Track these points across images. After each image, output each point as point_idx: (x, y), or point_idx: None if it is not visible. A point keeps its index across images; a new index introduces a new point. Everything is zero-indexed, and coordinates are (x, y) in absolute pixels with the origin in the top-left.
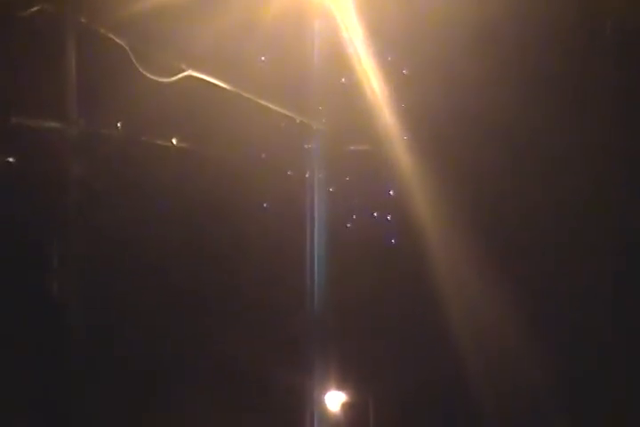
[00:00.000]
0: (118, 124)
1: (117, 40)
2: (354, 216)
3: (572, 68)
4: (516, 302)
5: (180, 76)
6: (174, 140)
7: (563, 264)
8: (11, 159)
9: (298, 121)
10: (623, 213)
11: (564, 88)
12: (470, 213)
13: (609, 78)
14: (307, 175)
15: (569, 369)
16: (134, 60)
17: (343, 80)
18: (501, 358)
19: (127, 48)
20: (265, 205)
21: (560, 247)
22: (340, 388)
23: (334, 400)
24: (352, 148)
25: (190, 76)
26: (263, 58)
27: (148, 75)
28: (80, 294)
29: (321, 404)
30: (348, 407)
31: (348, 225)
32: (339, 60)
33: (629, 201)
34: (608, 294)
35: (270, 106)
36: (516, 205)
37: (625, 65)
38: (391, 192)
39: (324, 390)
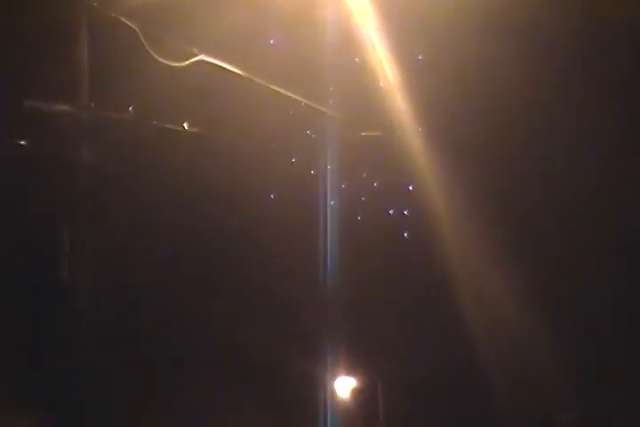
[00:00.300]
0: (130, 108)
1: (129, 24)
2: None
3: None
4: (529, 290)
5: (192, 60)
6: (186, 125)
7: (575, 252)
8: (23, 142)
9: (309, 106)
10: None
11: (572, 75)
12: (483, 201)
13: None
14: (318, 163)
15: (580, 357)
16: (146, 45)
17: (356, 63)
18: (513, 345)
19: (139, 32)
20: (273, 194)
21: (573, 235)
22: (350, 373)
23: (344, 386)
24: (364, 133)
25: (202, 61)
26: (272, 41)
27: (160, 59)
28: (91, 279)
29: (332, 389)
30: (357, 393)
31: (359, 218)
32: (351, 45)
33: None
34: (620, 285)
35: (282, 91)
36: (530, 191)
37: (627, 66)
38: (410, 187)
39: (335, 375)
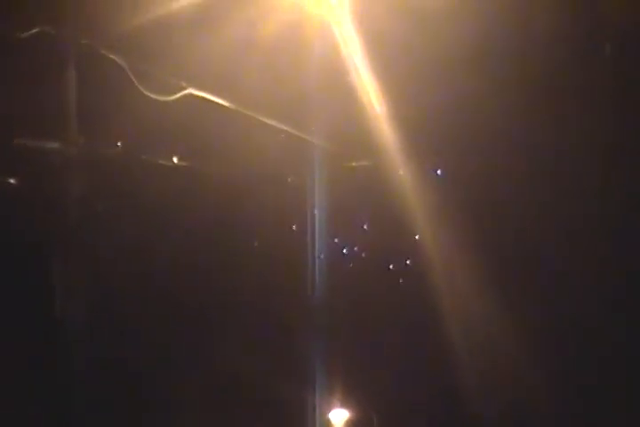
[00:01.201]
0: (118, 144)
1: (117, 59)
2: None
3: (570, 81)
4: (519, 317)
5: (180, 94)
6: (175, 159)
7: (570, 280)
8: (12, 180)
9: (298, 136)
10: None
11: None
12: (472, 227)
13: (607, 92)
14: (306, 191)
15: (574, 388)
16: (134, 80)
17: (343, 93)
18: (505, 374)
19: (127, 68)
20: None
21: (570, 262)
22: (343, 405)
23: (338, 418)
24: (353, 163)
25: (190, 94)
26: (260, 74)
27: (149, 93)
28: (83, 312)
29: (325, 422)
30: (352, 425)
31: (336, 240)
32: (338, 75)
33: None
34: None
35: (269, 122)
36: (520, 220)
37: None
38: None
39: (328, 407)
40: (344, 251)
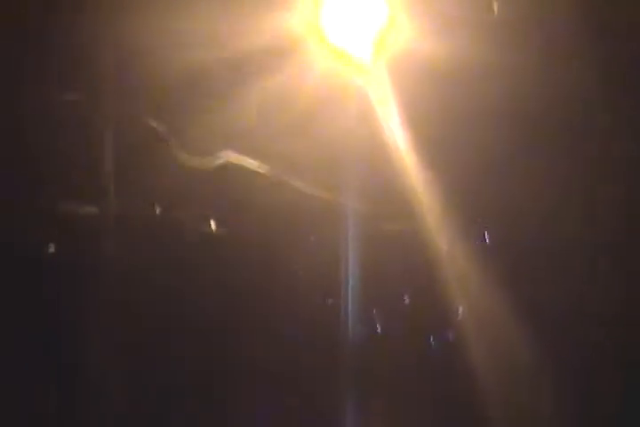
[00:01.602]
0: (156, 209)
1: (154, 125)
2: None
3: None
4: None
5: (219, 163)
6: (212, 224)
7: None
8: (50, 245)
9: (333, 200)
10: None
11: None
12: (506, 287)
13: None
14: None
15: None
16: (172, 146)
17: (378, 153)
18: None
19: (165, 132)
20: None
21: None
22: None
23: None
24: (389, 228)
25: (227, 161)
26: (295, 137)
27: (187, 161)
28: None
29: None
30: None
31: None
32: (374, 139)
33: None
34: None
35: (305, 187)
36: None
37: None
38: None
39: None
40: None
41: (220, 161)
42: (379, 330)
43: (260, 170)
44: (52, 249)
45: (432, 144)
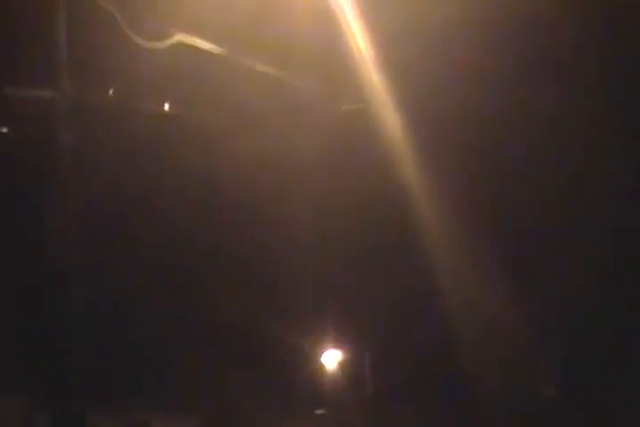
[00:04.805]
0: (110, 91)
1: (107, 6)
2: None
3: None
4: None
5: (170, 41)
6: (166, 106)
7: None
8: (4, 129)
9: (288, 80)
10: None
11: None
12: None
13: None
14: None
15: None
16: (124, 27)
17: (333, 36)
18: (494, 324)
19: (117, 15)
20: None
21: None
22: (336, 346)
23: (332, 358)
24: (344, 107)
25: (180, 41)
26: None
27: (139, 41)
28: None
29: (319, 362)
30: (345, 365)
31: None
32: (328, 21)
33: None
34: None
35: (260, 67)
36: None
37: None
38: None
39: (322, 348)
40: None
41: (174, 45)
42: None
43: (214, 52)
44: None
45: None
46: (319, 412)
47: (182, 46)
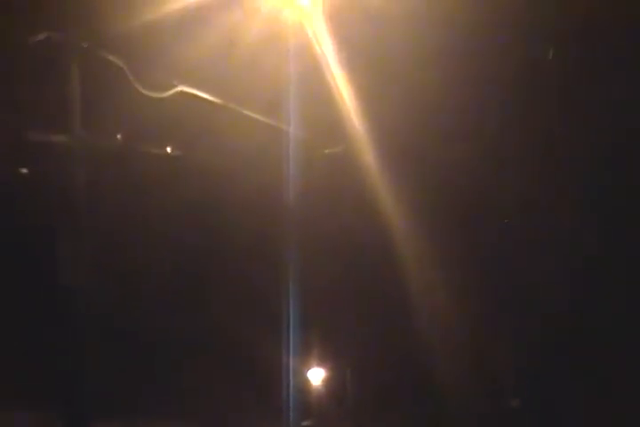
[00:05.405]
0: (118, 136)
1: (115, 61)
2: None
3: None
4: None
5: (172, 91)
6: (168, 149)
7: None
8: (22, 169)
9: (275, 127)
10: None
11: None
12: (438, 212)
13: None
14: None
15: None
16: (132, 79)
17: (318, 86)
18: (469, 341)
19: (125, 68)
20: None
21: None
22: (319, 364)
23: (314, 376)
24: (326, 151)
25: (181, 91)
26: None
27: (145, 91)
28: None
29: (302, 379)
30: (327, 382)
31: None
32: (313, 72)
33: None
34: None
35: (250, 114)
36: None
37: None
38: None
39: (305, 366)
40: None
41: (176, 96)
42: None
43: (212, 101)
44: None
45: (365, 77)
46: (305, 424)
47: (183, 96)
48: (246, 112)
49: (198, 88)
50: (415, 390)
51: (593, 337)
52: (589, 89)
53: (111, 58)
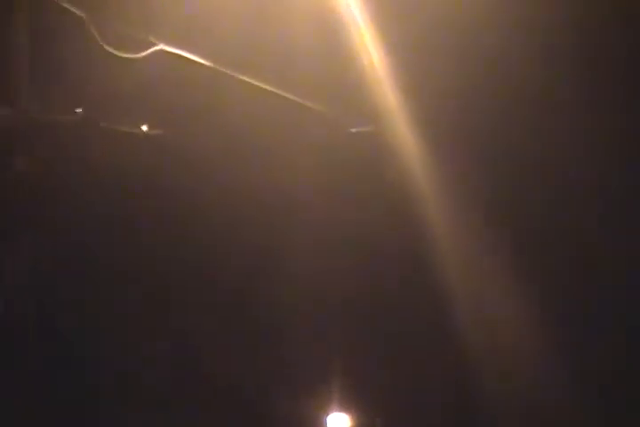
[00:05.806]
0: (77, 110)
1: (75, 11)
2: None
3: None
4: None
5: (150, 51)
6: (144, 127)
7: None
8: None
9: (285, 98)
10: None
11: None
12: (475, 196)
13: None
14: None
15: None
16: (95, 34)
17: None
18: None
19: (87, 20)
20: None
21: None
22: (344, 410)
23: (339, 423)
24: (353, 130)
25: (161, 51)
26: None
27: (113, 51)
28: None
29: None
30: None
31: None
32: (333, 29)
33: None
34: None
35: (258, 85)
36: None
37: None
38: None
39: (328, 412)
40: None
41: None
42: None
43: (202, 64)
44: None
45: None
46: None
47: (163, 57)
48: (249, 80)
49: (184, 47)
50: None
51: None
52: None
53: (70, 7)
